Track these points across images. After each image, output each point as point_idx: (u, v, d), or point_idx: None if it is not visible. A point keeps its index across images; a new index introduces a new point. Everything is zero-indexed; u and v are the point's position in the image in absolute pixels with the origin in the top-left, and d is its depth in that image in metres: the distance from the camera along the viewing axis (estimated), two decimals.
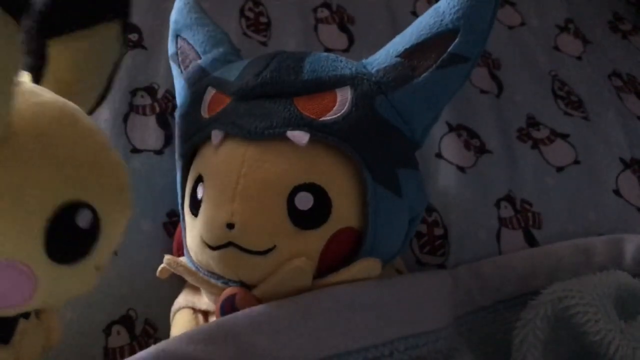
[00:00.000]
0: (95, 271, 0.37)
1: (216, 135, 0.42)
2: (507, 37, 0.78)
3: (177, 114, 0.49)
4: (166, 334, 0.48)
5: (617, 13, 0.87)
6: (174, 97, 0.62)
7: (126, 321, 0.49)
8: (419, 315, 0.42)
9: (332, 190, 0.40)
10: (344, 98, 0.41)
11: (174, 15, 0.54)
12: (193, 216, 0.43)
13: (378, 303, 0.41)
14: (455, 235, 0.58)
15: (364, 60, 0.45)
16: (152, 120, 0.60)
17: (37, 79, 0.38)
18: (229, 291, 0.41)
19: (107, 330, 0.48)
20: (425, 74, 0.42)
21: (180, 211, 0.47)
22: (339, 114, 0.41)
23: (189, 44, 0.51)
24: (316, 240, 0.40)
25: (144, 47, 0.65)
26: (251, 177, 0.40)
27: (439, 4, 0.43)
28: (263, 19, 0.72)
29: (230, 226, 0.39)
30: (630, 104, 0.74)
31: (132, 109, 0.60)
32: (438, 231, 0.58)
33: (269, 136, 0.40)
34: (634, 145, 0.69)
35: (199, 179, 0.43)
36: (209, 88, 0.46)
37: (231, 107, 0.43)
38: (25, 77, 0.38)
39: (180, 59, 0.52)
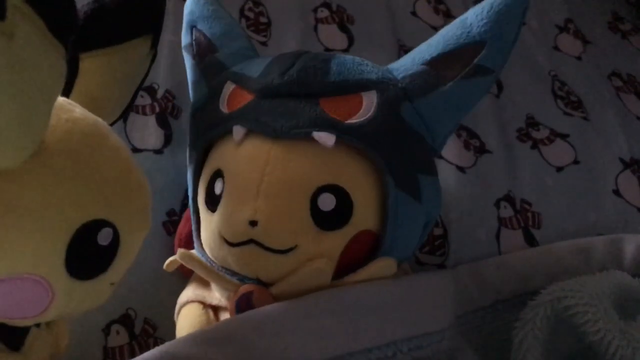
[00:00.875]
0: (110, 286, 0.37)
1: (238, 131, 0.42)
2: None
3: (192, 106, 0.48)
4: (166, 333, 0.48)
5: (617, 13, 0.87)
6: (174, 97, 0.62)
7: (125, 320, 0.49)
8: (422, 316, 0.42)
9: (354, 192, 0.40)
10: (369, 102, 0.41)
11: (189, 6, 0.53)
12: (210, 211, 0.43)
13: (381, 304, 0.41)
14: (454, 235, 0.58)
15: (389, 66, 0.45)
16: (152, 120, 0.60)
17: (66, 91, 0.38)
18: (245, 288, 0.41)
19: (107, 330, 0.48)
20: (450, 84, 0.42)
21: (192, 205, 0.46)
22: (364, 118, 0.41)
23: (205, 36, 0.50)
24: (337, 241, 0.40)
25: None
26: (276, 175, 0.40)
27: (466, 15, 0.43)
28: (263, 19, 0.72)
29: (253, 223, 0.39)
30: (630, 104, 0.74)
31: (132, 108, 0.60)
32: (438, 231, 0.58)
33: (295, 136, 0.40)
34: (633, 145, 0.69)
35: (217, 174, 0.43)
36: (228, 82, 0.45)
37: (254, 103, 0.43)
38: None
39: (195, 50, 0.51)
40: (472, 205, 0.60)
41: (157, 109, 0.61)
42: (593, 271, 0.50)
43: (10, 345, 0.36)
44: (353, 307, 0.39)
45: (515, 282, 0.52)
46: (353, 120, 0.41)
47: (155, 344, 0.47)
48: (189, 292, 0.46)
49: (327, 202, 0.40)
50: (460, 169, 0.62)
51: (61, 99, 0.36)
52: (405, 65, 0.44)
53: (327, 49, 0.71)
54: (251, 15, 0.72)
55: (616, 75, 0.78)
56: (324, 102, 0.41)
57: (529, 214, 0.61)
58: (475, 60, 0.42)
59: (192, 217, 0.46)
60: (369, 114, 0.41)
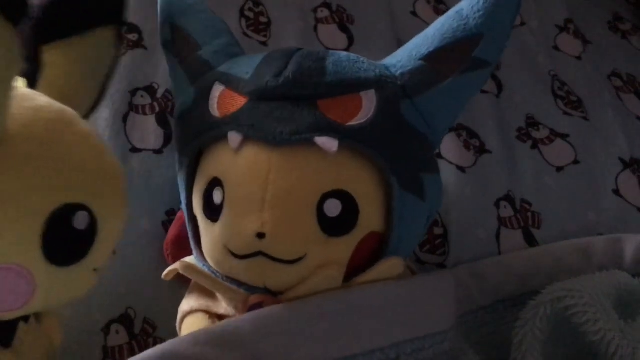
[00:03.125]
0: (93, 273, 0.37)
1: (235, 138, 0.40)
2: None
3: (178, 108, 0.46)
4: (165, 333, 0.48)
5: (617, 13, 0.87)
6: (174, 96, 0.62)
7: (125, 320, 0.49)
8: (424, 318, 0.42)
9: (359, 196, 0.39)
10: (369, 102, 0.40)
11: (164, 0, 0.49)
12: (210, 221, 0.42)
13: (384, 306, 0.40)
14: (454, 234, 0.58)
15: (384, 61, 0.44)
16: (151, 120, 0.60)
17: (32, 85, 0.38)
18: (255, 298, 0.40)
19: (106, 330, 0.48)
20: (449, 79, 0.42)
21: (187, 212, 0.45)
22: (365, 119, 0.40)
23: (185, 32, 0.47)
24: (345, 247, 0.40)
25: (144, 47, 0.65)
26: (280, 185, 0.39)
27: (461, 6, 0.42)
28: (263, 19, 0.72)
29: (261, 236, 0.38)
30: (630, 104, 0.74)
31: (132, 108, 0.60)
32: (438, 230, 0.58)
33: (296, 142, 0.39)
34: (633, 145, 0.69)
35: (214, 183, 0.41)
36: (217, 84, 0.43)
37: (248, 108, 0.41)
38: (20, 83, 0.38)
39: (176, 48, 0.48)
40: (472, 205, 0.60)
41: (157, 109, 0.60)
42: (593, 271, 0.50)
43: (1, 342, 0.36)
44: (356, 309, 0.39)
45: (515, 282, 0.52)
46: (354, 123, 0.40)
47: (155, 344, 0.47)
48: (192, 301, 0.45)
49: (333, 208, 0.39)
50: (460, 168, 0.62)
51: (25, 90, 0.36)
52: (402, 61, 0.43)
53: (327, 49, 0.71)
54: (251, 15, 0.72)
55: (616, 75, 0.78)
56: (322, 103, 0.40)
57: (529, 214, 0.61)
58: (474, 54, 0.41)
59: (187, 225, 0.45)
60: (370, 115, 0.40)
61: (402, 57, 0.43)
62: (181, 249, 0.47)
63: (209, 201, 0.41)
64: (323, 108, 0.40)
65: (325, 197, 0.39)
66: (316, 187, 0.39)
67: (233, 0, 0.72)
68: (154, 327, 0.49)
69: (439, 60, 0.42)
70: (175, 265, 0.43)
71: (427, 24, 0.76)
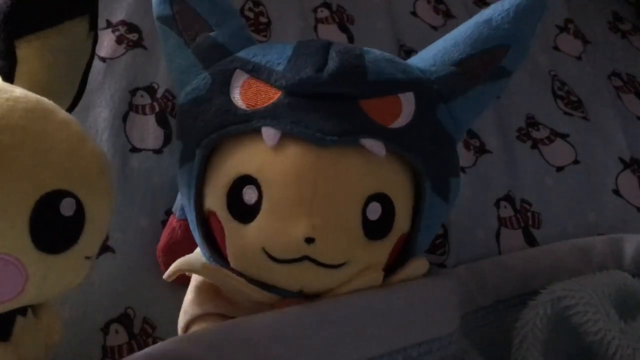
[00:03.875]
0: (85, 261, 0.37)
1: (272, 134, 0.38)
2: None
3: (187, 94, 0.42)
4: (165, 333, 0.48)
5: (617, 13, 0.87)
6: (174, 96, 0.62)
7: (124, 320, 0.49)
8: (429, 321, 0.42)
9: (395, 198, 0.39)
10: (409, 105, 0.40)
11: None
12: (238, 222, 0.39)
13: (390, 310, 0.40)
14: (455, 234, 0.58)
15: (417, 65, 0.44)
16: (151, 120, 0.60)
17: (9, 81, 0.38)
18: (290, 302, 0.39)
19: (105, 329, 0.48)
20: (479, 86, 0.43)
21: (193, 209, 0.42)
22: (406, 123, 0.40)
23: (192, 8, 0.43)
24: (384, 250, 0.40)
25: (144, 47, 0.65)
26: (328, 188, 0.37)
27: (489, 14, 0.43)
28: (263, 19, 0.72)
29: (310, 240, 0.37)
30: (629, 104, 0.74)
31: (132, 108, 0.60)
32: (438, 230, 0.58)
33: (344, 143, 0.38)
34: (633, 145, 0.69)
35: (244, 181, 0.39)
36: (239, 72, 0.41)
37: (286, 102, 0.39)
38: None
39: (181, 25, 0.43)
40: (472, 205, 0.60)
41: (157, 109, 0.60)
42: (593, 271, 0.50)
43: None
44: (362, 313, 0.39)
45: (515, 282, 0.52)
46: (396, 126, 0.39)
47: (154, 343, 0.47)
48: (204, 305, 0.42)
49: (375, 211, 0.38)
50: (461, 169, 0.62)
51: (1, 83, 0.36)
52: (436, 65, 0.43)
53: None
54: (251, 15, 0.72)
55: (616, 75, 0.78)
56: (364, 103, 0.39)
57: (529, 214, 0.61)
58: (501, 64, 0.43)
59: (194, 224, 0.42)
60: (410, 118, 0.40)
61: (435, 61, 0.43)
62: (174, 255, 0.46)
63: (237, 200, 0.39)
64: (365, 108, 0.39)
65: (369, 200, 0.38)
66: (362, 190, 0.38)
67: (233, 0, 0.72)
68: (154, 327, 0.49)
69: (470, 67, 0.42)
70: (193, 269, 0.42)
71: (427, 24, 0.77)
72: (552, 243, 0.56)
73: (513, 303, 0.51)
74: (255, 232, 0.39)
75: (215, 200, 0.40)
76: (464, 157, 0.63)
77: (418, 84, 0.42)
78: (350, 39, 0.73)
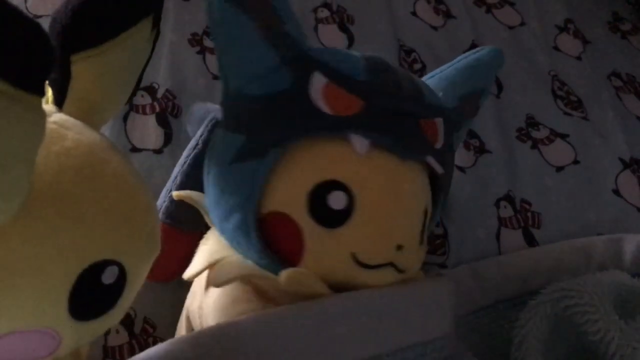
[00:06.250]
0: (120, 312, 0.35)
1: (362, 142, 0.38)
2: (507, 37, 0.79)
3: (262, 88, 0.40)
4: (165, 333, 0.48)
5: (616, 13, 0.87)
6: (174, 96, 0.62)
7: (125, 320, 0.49)
8: (426, 323, 0.41)
9: (429, 210, 0.42)
10: (441, 128, 0.43)
11: None
12: (321, 226, 0.38)
13: (386, 312, 0.40)
14: (455, 234, 0.58)
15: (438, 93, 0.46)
16: (151, 120, 0.60)
17: (61, 95, 0.35)
18: None
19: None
20: (469, 119, 0.50)
21: (252, 207, 0.38)
22: (441, 145, 0.42)
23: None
24: (422, 254, 0.43)
25: None
26: (410, 198, 0.40)
27: (482, 57, 0.50)
28: None
29: (400, 247, 0.39)
30: (629, 104, 0.74)
31: (132, 108, 0.60)
32: (438, 231, 0.58)
33: (418, 158, 0.41)
34: (633, 145, 0.69)
35: (331, 185, 0.38)
36: (317, 74, 0.39)
37: (371, 113, 0.39)
38: (48, 93, 0.35)
39: (255, 9, 0.40)
40: (472, 205, 0.60)
41: (157, 109, 0.60)
42: (593, 271, 0.50)
43: None
44: (354, 315, 0.39)
45: (515, 282, 0.52)
46: (437, 146, 0.42)
47: (155, 343, 0.47)
48: (244, 304, 0.40)
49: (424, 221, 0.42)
50: (460, 169, 0.62)
51: (52, 122, 0.32)
52: (448, 96, 0.46)
53: None
54: None
55: (616, 75, 0.78)
56: (423, 123, 0.41)
57: (529, 214, 0.61)
58: (481, 100, 0.50)
59: (250, 224, 0.39)
60: (443, 141, 0.43)
61: (446, 92, 0.46)
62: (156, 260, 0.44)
63: (322, 204, 0.38)
64: (423, 128, 0.41)
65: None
66: (423, 204, 0.41)
67: None
68: (154, 326, 0.49)
69: (466, 102, 0.48)
70: (296, 276, 0.39)
71: (427, 24, 0.77)
72: (552, 243, 0.56)
73: (513, 303, 0.51)
74: (345, 237, 0.38)
75: (291, 202, 0.39)
76: (464, 157, 0.63)
77: (446, 111, 0.44)
78: (350, 39, 0.73)
